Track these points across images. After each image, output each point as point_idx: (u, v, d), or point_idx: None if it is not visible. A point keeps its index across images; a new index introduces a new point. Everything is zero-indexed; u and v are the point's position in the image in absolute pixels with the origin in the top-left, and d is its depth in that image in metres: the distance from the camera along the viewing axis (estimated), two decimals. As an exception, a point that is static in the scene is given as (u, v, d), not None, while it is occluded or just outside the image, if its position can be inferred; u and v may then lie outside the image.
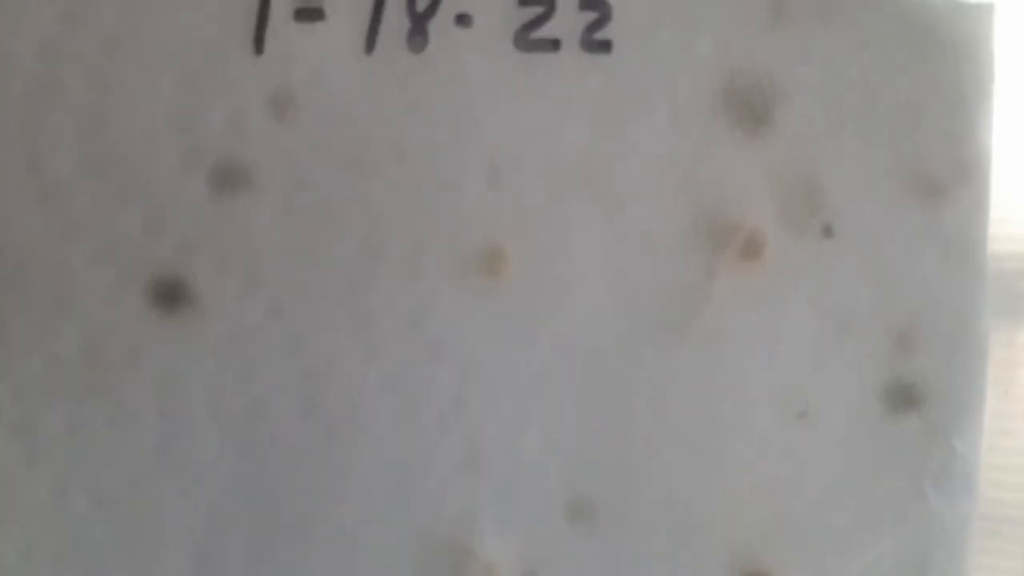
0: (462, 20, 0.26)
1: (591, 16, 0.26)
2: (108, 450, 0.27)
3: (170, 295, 0.27)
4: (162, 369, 0.27)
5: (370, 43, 0.26)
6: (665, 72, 0.27)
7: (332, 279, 0.27)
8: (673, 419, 0.28)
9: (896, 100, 0.27)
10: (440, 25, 0.26)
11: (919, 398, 0.28)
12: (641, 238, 0.27)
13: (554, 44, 0.26)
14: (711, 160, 0.27)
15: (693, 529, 0.28)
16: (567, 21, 0.26)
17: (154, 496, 0.28)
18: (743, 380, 0.28)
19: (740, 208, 0.27)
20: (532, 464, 0.28)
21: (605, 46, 0.26)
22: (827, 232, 0.27)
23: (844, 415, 0.28)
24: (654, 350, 0.28)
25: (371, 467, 0.28)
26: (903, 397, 0.28)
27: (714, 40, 0.27)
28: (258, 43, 0.26)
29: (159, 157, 0.26)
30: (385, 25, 0.26)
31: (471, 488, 0.28)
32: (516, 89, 0.27)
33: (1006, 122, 0.28)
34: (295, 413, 0.28)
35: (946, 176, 0.27)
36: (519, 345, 0.28)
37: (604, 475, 0.28)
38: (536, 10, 0.26)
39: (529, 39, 0.26)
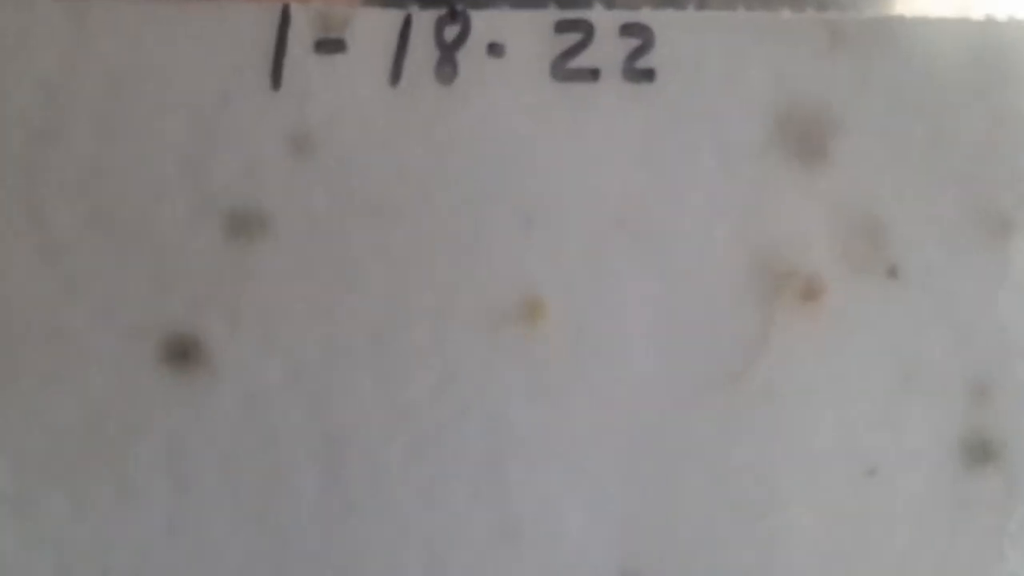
0: (494, 49, 0.24)
1: (632, 43, 0.25)
2: (115, 528, 0.25)
3: (181, 354, 0.25)
4: (173, 436, 0.25)
5: (395, 75, 0.24)
6: (713, 103, 0.25)
7: (354, 336, 0.25)
8: (729, 484, 0.26)
9: (963, 131, 0.25)
10: (470, 55, 0.25)
11: (996, 452, 0.25)
12: (690, 285, 0.25)
13: (593, 74, 0.24)
14: (764, 199, 0.25)
15: (754, 603, 0.26)
16: (607, 48, 0.24)
17: (165, 573, 0.26)
18: (805, 437, 0.25)
19: (797, 249, 0.25)
20: (576, 537, 0.26)
21: (648, 75, 0.25)
22: (892, 273, 0.25)
23: (917, 472, 0.25)
24: (707, 408, 0.26)
25: (398, 542, 0.26)
26: (980, 451, 0.25)
27: (767, 68, 0.25)
28: (275, 78, 0.24)
29: (168, 205, 0.24)
30: (411, 56, 0.24)
31: (509, 565, 0.26)
32: (552, 124, 0.25)
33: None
34: (315, 483, 0.25)
35: (1019, 213, 0.26)
36: (559, 405, 0.25)
37: (655, 549, 0.26)
38: (574, 37, 0.24)
39: (566, 69, 0.24)
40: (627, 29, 0.25)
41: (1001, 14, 0.25)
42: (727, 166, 0.25)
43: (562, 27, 0.25)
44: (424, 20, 0.25)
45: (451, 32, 0.25)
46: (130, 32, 0.24)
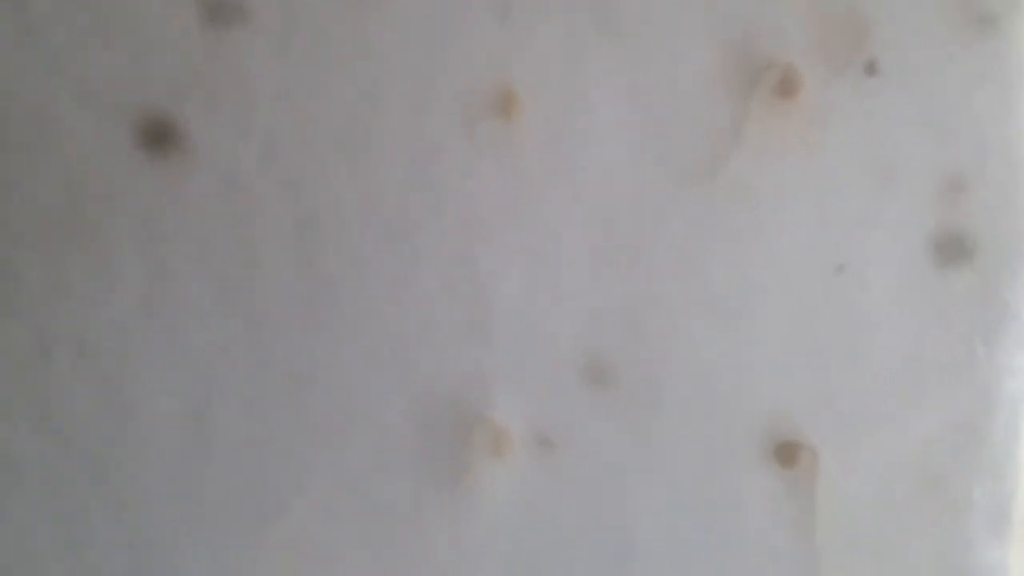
0: None
1: None
2: (91, 305, 0.26)
3: (158, 136, 0.25)
4: (148, 216, 0.25)
5: None
6: None
7: (330, 123, 0.25)
8: (699, 277, 0.26)
9: (948, -79, 0.25)
10: None
11: (969, 250, 0.25)
12: (664, 77, 0.25)
13: None
14: (742, -11, 0.25)
15: (721, 396, 0.26)
16: None
17: (141, 352, 0.26)
18: (776, 233, 0.25)
19: (773, 42, 0.25)
20: (545, 326, 0.26)
21: None
22: (871, 70, 0.25)
23: (888, 269, 0.25)
24: (678, 202, 0.26)
25: (371, 326, 0.26)
26: (952, 249, 0.25)
27: None
28: None
29: (145, -15, 0.25)
30: None
31: (479, 350, 0.26)
32: (526, -97, 0.25)
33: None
34: (289, 266, 0.26)
35: (1003, 8, 0.25)
36: (531, 197, 0.26)
37: (624, 338, 0.26)
38: None
39: None
40: None
41: None
42: (705, -47, 0.25)
43: None
44: None
45: None
46: None
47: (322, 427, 0.26)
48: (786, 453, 0.26)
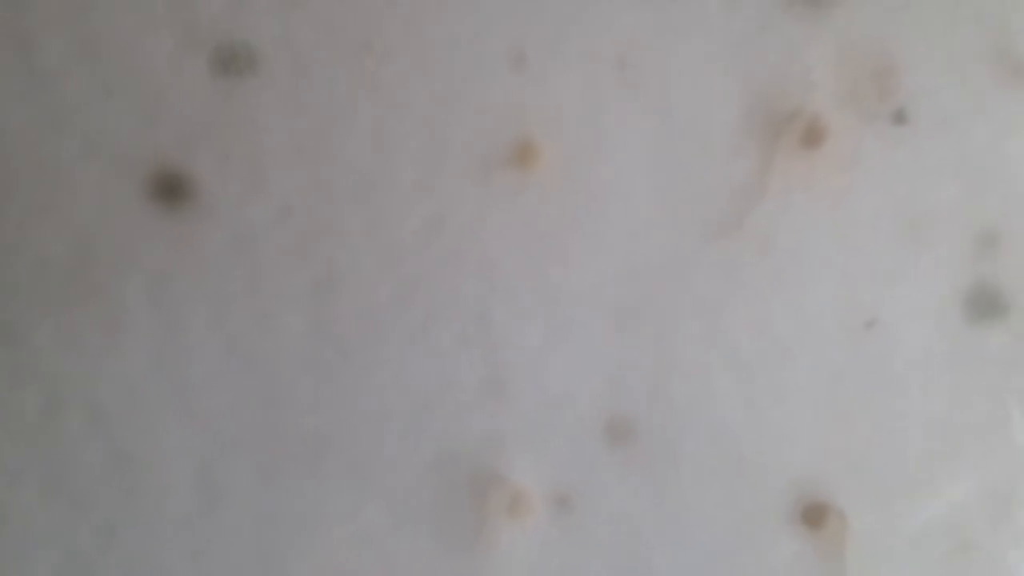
0: None
1: None
2: (103, 363, 0.25)
3: (169, 190, 0.25)
4: (160, 273, 0.25)
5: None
6: (714, -68, 0.24)
7: (344, 176, 0.25)
8: (723, 335, 0.25)
9: (981, -32, 0.24)
10: None
11: (1004, 306, 0.24)
12: (688, 129, 0.24)
13: None
14: (767, 38, 0.24)
15: (745, 456, 0.25)
16: None
17: (153, 413, 0.25)
18: (803, 288, 0.25)
19: (800, 92, 0.24)
20: (563, 384, 0.25)
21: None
22: (899, 118, 0.24)
23: (919, 325, 0.25)
24: (701, 257, 0.25)
25: (386, 386, 0.25)
26: (985, 305, 0.24)
27: None
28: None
29: (156, 38, 0.24)
30: None
31: (496, 409, 0.25)
32: (546, -46, 0.24)
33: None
34: (303, 326, 0.25)
35: (1037, 55, 0.24)
36: (550, 252, 0.25)
37: (645, 398, 0.25)
38: None
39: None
40: None
41: None
42: (730, 2, 0.24)
43: None
44: None
45: None
46: None
47: (336, 489, 0.26)
48: (814, 515, 0.25)
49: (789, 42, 0.24)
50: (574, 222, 0.25)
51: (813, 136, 0.24)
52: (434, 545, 0.26)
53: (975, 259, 0.24)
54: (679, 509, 0.26)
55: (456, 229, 0.25)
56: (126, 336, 0.25)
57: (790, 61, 0.24)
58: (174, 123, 0.24)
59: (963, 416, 0.25)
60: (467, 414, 0.26)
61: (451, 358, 0.25)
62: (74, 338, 0.25)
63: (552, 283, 0.25)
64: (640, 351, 0.25)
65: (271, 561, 0.26)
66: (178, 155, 0.24)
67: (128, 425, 0.25)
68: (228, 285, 0.25)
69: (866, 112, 0.24)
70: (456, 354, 0.25)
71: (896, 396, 0.25)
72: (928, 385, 0.25)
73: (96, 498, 0.26)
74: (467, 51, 0.24)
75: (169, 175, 0.25)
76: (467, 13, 0.24)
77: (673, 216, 0.25)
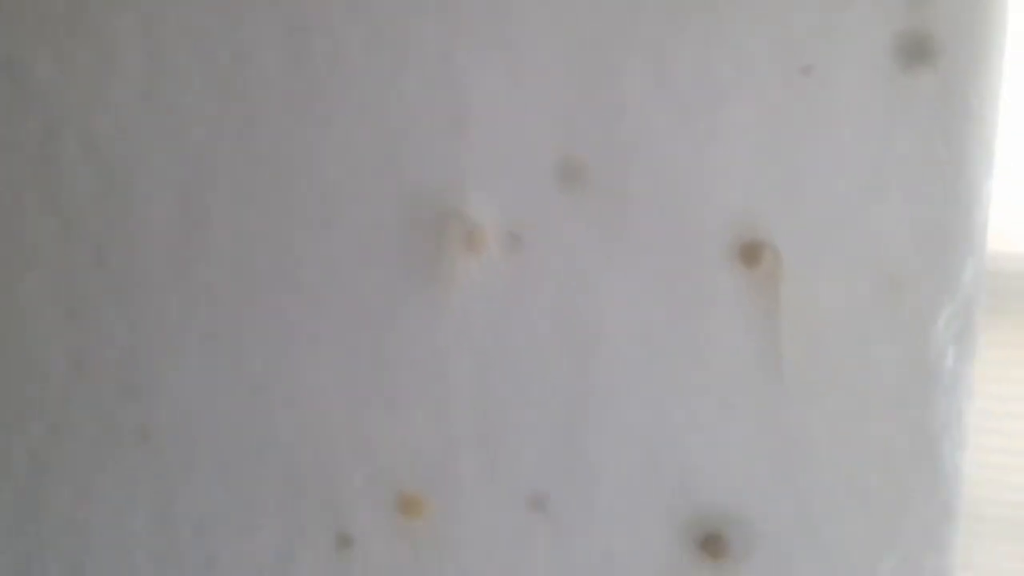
0: None
1: None
2: (96, 94, 0.28)
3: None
4: (149, 11, 0.27)
5: None
6: None
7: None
8: (669, 80, 0.27)
9: None
10: None
11: (933, 52, 0.25)
12: None
13: None
14: None
15: (689, 195, 0.27)
16: None
17: (141, 141, 0.28)
18: (743, 35, 0.26)
19: None
20: (521, 125, 0.27)
21: None
22: None
23: (852, 70, 0.26)
24: (653, 7, 0.26)
25: (355, 123, 0.27)
26: (916, 51, 0.26)
27: None
28: None
29: None
30: None
31: (457, 148, 0.27)
32: None
33: None
34: (279, 64, 0.27)
35: None
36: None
37: (596, 138, 0.27)
38: None
39: None
40: None
41: None
42: None
43: None
44: None
45: None
46: None
47: (308, 216, 0.28)
48: (750, 253, 0.27)
49: None
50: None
51: None
52: (395, 274, 0.28)
53: (907, 6, 0.26)
54: (624, 247, 0.27)
55: (423, -23, 0.27)
56: (117, 68, 0.27)
57: None
58: None
59: (894, 156, 0.26)
60: (430, 152, 0.27)
61: (417, 98, 0.27)
62: (71, 71, 0.27)
63: (511, 25, 0.27)
64: (593, 91, 0.27)
65: (248, 279, 0.28)
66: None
67: (119, 151, 0.28)
68: (210, 26, 0.27)
69: None
70: (421, 95, 0.27)
71: (830, 138, 0.26)
72: (861, 127, 0.26)
73: (87, 219, 0.28)
74: None
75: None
76: None
77: (625, -32, 0.26)
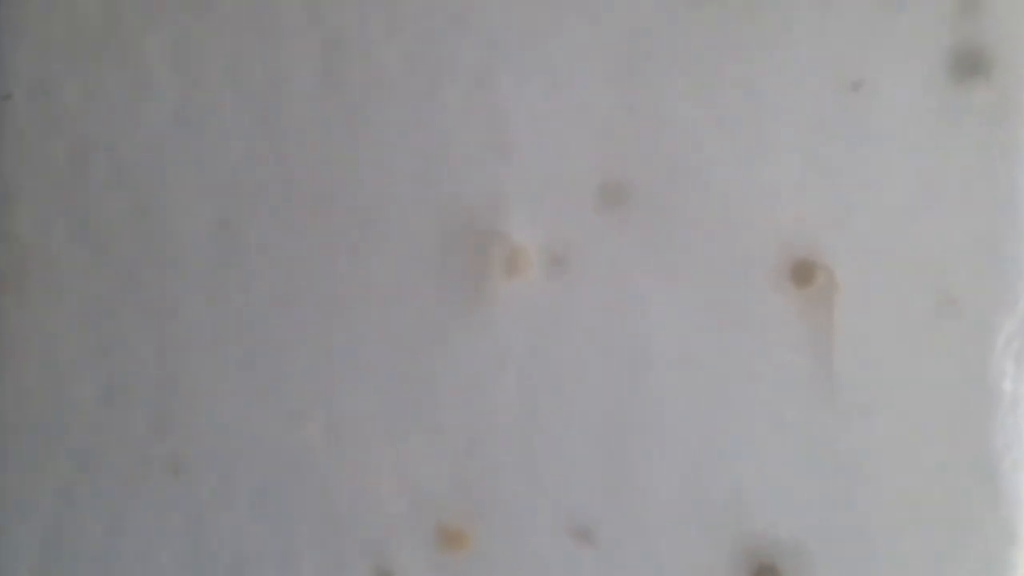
0: None
1: None
2: (126, 116, 0.27)
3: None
4: (181, 32, 0.27)
5: None
6: None
7: (353, -55, 0.26)
8: (714, 97, 0.26)
9: None
10: None
11: (987, 64, 0.25)
12: None
13: None
14: None
15: (736, 214, 0.26)
16: None
17: (173, 166, 0.27)
18: (789, 50, 0.26)
19: None
20: (562, 145, 0.27)
21: None
22: None
23: (903, 84, 0.25)
24: (695, 22, 0.26)
25: (392, 144, 0.27)
26: (969, 63, 0.25)
27: None
28: None
29: None
30: None
31: (496, 169, 0.27)
32: None
33: None
34: (314, 85, 0.27)
35: None
36: (550, 15, 0.26)
37: (640, 158, 0.26)
38: None
39: None
40: None
41: None
42: None
43: None
44: None
45: None
46: None
47: (346, 241, 0.27)
48: (802, 272, 0.26)
49: None
50: (573, -10, 0.26)
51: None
52: (437, 298, 0.27)
53: (958, 19, 0.25)
54: (670, 268, 0.27)
55: (462, -3, 0.26)
56: (148, 92, 0.27)
57: None
58: None
59: (947, 171, 0.25)
60: (469, 173, 0.27)
61: (455, 118, 0.27)
62: (102, 94, 0.27)
63: (552, 45, 0.26)
64: (634, 110, 0.26)
65: (285, 306, 0.27)
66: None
67: (149, 176, 0.27)
68: (244, 45, 0.27)
69: None
70: (460, 114, 0.27)
71: (882, 154, 0.26)
72: (913, 142, 0.25)
73: (119, 245, 0.27)
74: None
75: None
76: None
77: (668, -17, 0.26)
